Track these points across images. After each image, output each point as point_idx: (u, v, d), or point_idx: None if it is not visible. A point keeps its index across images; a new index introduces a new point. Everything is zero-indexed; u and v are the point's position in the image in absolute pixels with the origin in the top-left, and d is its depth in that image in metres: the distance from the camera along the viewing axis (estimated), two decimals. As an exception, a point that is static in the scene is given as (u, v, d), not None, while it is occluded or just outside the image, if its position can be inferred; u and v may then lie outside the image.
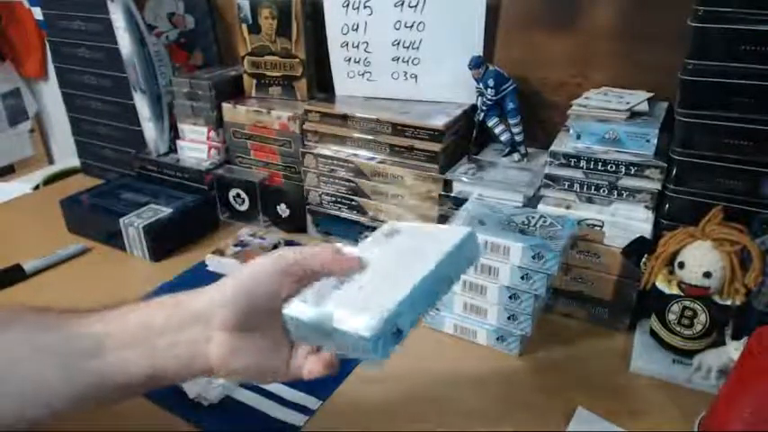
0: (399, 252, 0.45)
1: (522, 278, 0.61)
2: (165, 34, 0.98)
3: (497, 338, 0.65)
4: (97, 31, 0.99)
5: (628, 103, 0.69)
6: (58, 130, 1.53)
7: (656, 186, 0.65)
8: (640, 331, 0.67)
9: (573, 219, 0.66)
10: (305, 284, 0.42)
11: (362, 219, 0.86)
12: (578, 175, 0.68)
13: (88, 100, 1.08)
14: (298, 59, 0.92)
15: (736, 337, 0.60)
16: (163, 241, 0.86)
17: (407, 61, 0.86)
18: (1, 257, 0.83)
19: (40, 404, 0.39)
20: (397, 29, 0.85)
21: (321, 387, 0.60)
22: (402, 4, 0.83)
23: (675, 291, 0.62)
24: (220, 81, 0.96)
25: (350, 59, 0.90)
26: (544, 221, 0.65)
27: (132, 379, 0.40)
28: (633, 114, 0.68)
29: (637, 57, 0.76)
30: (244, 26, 0.93)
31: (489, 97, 0.78)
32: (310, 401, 0.59)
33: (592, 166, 0.67)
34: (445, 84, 0.86)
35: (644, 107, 0.69)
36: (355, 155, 0.83)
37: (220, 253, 0.82)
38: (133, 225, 0.84)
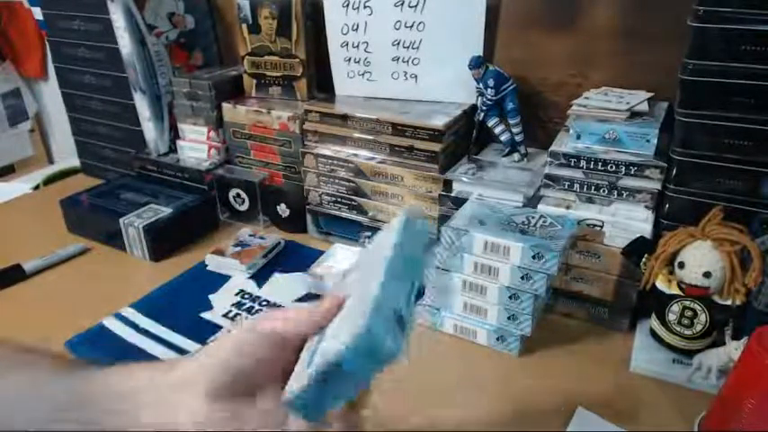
0: (362, 276, 0.42)
1: (522, 278, 0.61)
2: (165, 34, 0.98)
3: (497, 338, 0.65)
4: (97, 30, 0.99)
5: (628, 103, 0.69)
6: (58, 129, 1.54)
7: (656, 186, 0.65)
8: (640, 331, 0.67)
9: (573, 219, 0.66)
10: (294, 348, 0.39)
11: (362, 219, 0.86)
12: (578, 175, 0.68)
13: (88, 100, 1.08)
14: (298, 59, 0.92)
15: (736, 336, 0.60)
16: (163, 241, 0.86)
17: (407, 61, 0.86)
18: (1, 257, 0.83)
19: None
20: (397, 29, 0.85)
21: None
22: (402, 4, 0.83)
23: (675, 291, 0.62)
24: (220, 81, 0.96)
25: (350, 59, 0.90)
26: (544, 221, 0.65)
27: None
28: (633, 114, 0.68)
29: (637, 57, 0.76)
30: (244, 26, 0.93)
31: (489, 97, 0.78)
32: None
33: (592, 166, 0.67)
34: (445, 84, 0.86)
35: (644, 107, 0.69)
36: (355, 155, 0.83)
37: (220, 253, 0.82)
38: (133, 225, 0.85)
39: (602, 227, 0.67)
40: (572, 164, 0.68)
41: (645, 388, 0.61)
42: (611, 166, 0.66)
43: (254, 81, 0.97)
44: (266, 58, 0.94)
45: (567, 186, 0.69)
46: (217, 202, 0.96)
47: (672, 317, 0.62)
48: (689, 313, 0.61)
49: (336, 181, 0.86)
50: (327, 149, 0.86)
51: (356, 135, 0.83)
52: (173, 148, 1.02)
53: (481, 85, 0.78)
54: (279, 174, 0.94)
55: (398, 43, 0.86)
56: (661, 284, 0.63)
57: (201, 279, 0.81)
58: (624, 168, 0.66)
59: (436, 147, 0.77)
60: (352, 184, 0.85)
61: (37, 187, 1.23)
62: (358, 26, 0.87)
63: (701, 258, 0.59)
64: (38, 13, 1.19)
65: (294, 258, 0.85)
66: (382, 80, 0.89)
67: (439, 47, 0.84)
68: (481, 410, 0.58)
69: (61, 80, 1.11)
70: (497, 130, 0.81)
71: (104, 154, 1.12)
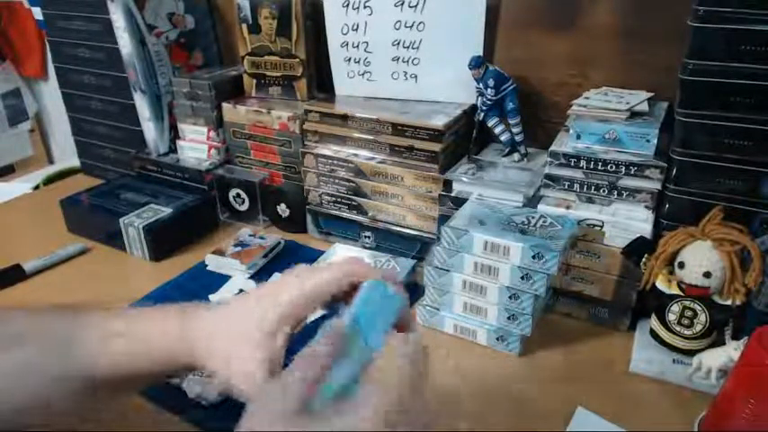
0: None
1: (523, 278, 0.61)
2: (165, 34, 0.98)
3: (497, 338, 0.65)
4: (97, 30, 0.99)
5: (628, 103, 0.69)
6: (58, 129, 1.54)
7: (656, 186, 0.65)
8: (640, 331, 0.67)
9: (573, 219, 0.66)
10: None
11: (362, 219, 0.86)
12: (578, 175, 0.68)
13: (88, 100, 1.08)
14: (298, 59, 0.92)
15: (736, 336, 0.60)
16: (163, 241, 0.86)
17: (407, 61, 0.86)
18: (1, 257, 0.83)
19: (75, 378, 0.42)
20: (397, 29, 0.85)
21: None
22: (402, 4, 0.83)
23: (675, 291, 0.62)
24: (220, 81, 0.96)
25: (350, 59, 0.90)
26: (544, 221, 0.65)
27: (153, 359, 0.42)
28: (633, 114, 0.68)
29: (637, 57, 0.76)
30: (244, 26, 0.93)
31: (489, 97, 0.78)
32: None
33: (592, 166, 0.67)
34: (445, 84, 0.86)
35: (644, 107, 0.69)
36: (355, 155, 0.83)
37: (220, 253, 0.82)
38: (133, 225, 0.85)
39: (602, 227, 0.67)
40: (572, 164, 0.68)
41: (645, 388, 0.61)
42: (611, 166, 0.66)
43: (254, 81, 0.97)
44: (266, 58, 0.94)
45: (567, 186, 0.69)
46: (217, 202, 0.96)
47: (672, 317, 0.63)
48: (689, 313, 0.61)
49: (336, 181, 0.86)
50: (327, 149, 0.86)
51: (356, 135, 0.83)
52: (173, 148, 1.02)
53: (481, 85, 0.78)
54: (279, 174, 0.94)
55: (398, 43, 0.86)
56: (661, 284, 0.63)
57: (201, 279, 0.81)
58: (624, 168, 0.66)
59: (436, 147, 0.77)
60: (352, 184, 0.85)
61: (37, 187, 1.23)
62: (358, 26, 0.87)
63: (700, 258, 0.59)
64: (38, 12, 1.19)
65: (294, 258, 0.84)
66: (382, 80, 0.89)
67: (439, 47, 0.84)
68: (481, 411, 0.58)
69: (61, 80, 1.11)
70: (497, 130, 0.81)
71: (104, 154, 1.12)
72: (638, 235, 0.65)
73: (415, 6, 0.83)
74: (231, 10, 0.97)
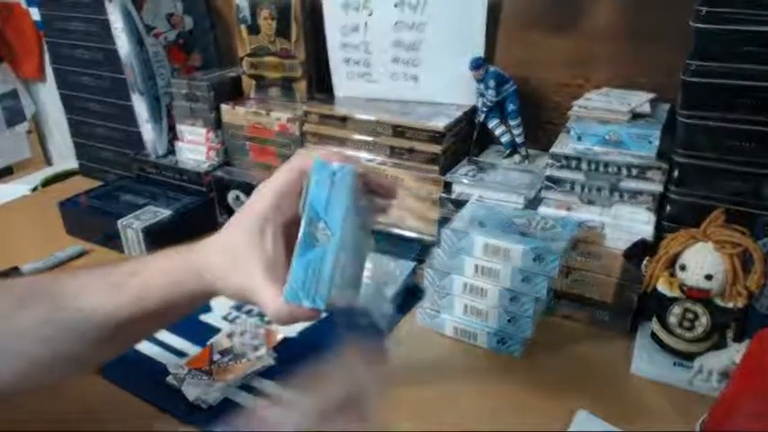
0: None
1: (523, 280, 0.61)
2: (164, 35, 0.98)
3: (498, 341, 0.65)
4: (95, 31, 0.99)
5: (629, 104, 0.68)
6: (56, 131, 1.53)
7: (658, 188, 0.65)
8: (641, 334, 0.67)
9: (574, 221, 0.66)
10: None
11: (362, 220, 0.86)
12: (579, 176, 0.68)
13: (86, 101, 1.08)
14: (297, 60, 0.92)
15: (737, 339, 0.60)
16: (161, 243, 0.85)
17: (407, 62, 0.86)
18: (-2, 260, 0.83)
19: (94, 325, 0.44)
20: (398, 30, 0.85)
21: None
22: (402, 5, 0.83)
23: (677, 293, 0.61)
24: (219, 82, 0.95)
25: (349, 60, 0.90)
26: (545, 223, 0.65)
27: (159, 293, 0.45)
28: (635, 116, 0.67)
29: (638, 58, 0.75)
30: (243, 27, 0.92)
31: (490, 98, 0.78)
32: (310, 405, 0.58)
33: (593, 168, 0.67)
34: (446, 85, 0.85)
35: (646, 108, 0.69)
36: (355, 156, 0.83)
37: (219, 255, 0.82)
38: (132, 227, 0.84)
39: (603, 229, 0.66)
40: (573, 165, 0.68)
41: (646, 391, 0.60)
42: (613, 168, 0.66)
43: (254, 82, 0.96)
44: (265, 59, 0.93)
45: (568, 188, 0.69)
46: (216, 203, 0.96)
47: (673, 319, 0.62)
48: (690, 316, 0.61)
49: (336, 182, 0.85)
50: (327, 151, 0.85)
51: (356, 137, 0.83)
52: (171, 150, 1.02)
53: (482, 87, 0.78)
54: (278, 175, 0.94)
55: (398, 44, 0.86)
56: (662, 287, 0.63)
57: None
58: (625, 170, 0.65)
59: (437, 148, 0.77)
60: (351, 185, 0.84)
61: (35, 189, 1.23)
62: (358, 27, 0.87)
63: (702, 261, 0.59)
64: (35, 13, 1.19)
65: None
66: (382, 81, 0.89)
67: (439, 48, 0.84)
68: (482, 413, 0.58)
69: (59, 81, 1.11)
70: (498, 132, 0.81)
71: (103, 155, 1.12)
72: (640, 237, 0.65)
73: (415, 7, 0.82)
74: (230, 11, 0.97)
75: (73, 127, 1.14)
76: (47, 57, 1.19)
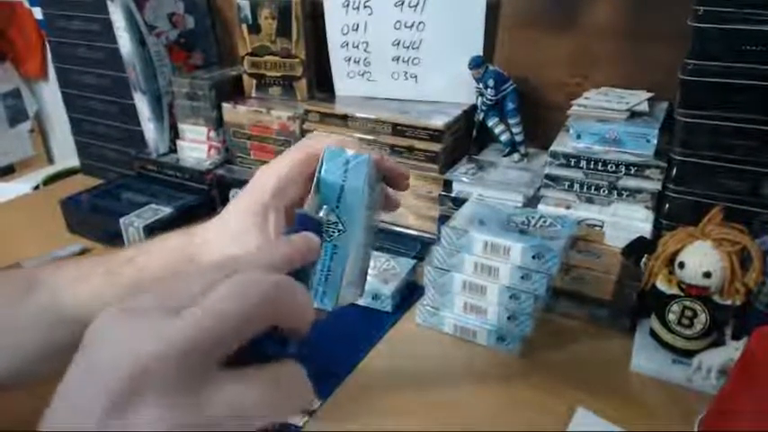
0: None
1: (522, 278, 0.61)
2: (165, 34, 0.98)
3: (497, 338, 0.65)
4: (97, 30, 0.99)
5: (628, 103, 0.69)
6: (58, 130, 1.53)
7: (657, 186, 0.65)
8: (640, 331, 0.67)
9: (573, 219, 0.66)
10: None
11: (362, 219, 0.86)
12: (578, 175, 0.68)
13: (88, 100, 1.08)
14: (298, 59, 0.92)
15: (736, 337, 0.60)
16: (163, 241, 0.86)
17: (407, 61, 0.86)
18: (0, 257, 0.83)
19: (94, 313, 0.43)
20: (397, 29, 0.85)
21: (321, 386, 0.60)
22: (402, 4, 0.83)
23: (675, 291, 0.62)
24: (220, 81, 0.96)
25: (350, 59, 0.90)
26: (544, 222, 0.65)
27: (157, 277, 0.44)
28: (633, 114, 0.68)
29: (637, 57, 0.76)
30: (244, 26, 0.93)
31: (489, 97, 0.78)
32: (310, 401, 0.58)
33: (592, 167, 0.67)
34: (445, 84, 0.86)
35: (644, 107, 0.69)
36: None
37: (220, 253, 0.82)
38: (133, 225, 0.84)
39: (602, 227, 0.67)
40: (572, 164, 0.68)
41: (645, 388, 0.61)
42: (612, 167, 0.66)
43: (254, 81, 0.97)
44: (266, 58, 0.94)
45: (567, 186, 0.69)
46: (217, 202, 0.96)
47: (672, 317, 0.62)
48: (689, 313, 0.61)
49: (336, 181, 0.86)
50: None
51: (356, 135, 0.83)
52: (173, 148, 1.02)
53: (481, 86, 0.78)
54: (279, 174, 0.94)
55: (398, 43, 0.86)
56: (661, 284, 0.63)
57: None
58: (624, 168, 0.66)
59: (436, 147, 0.77)
60: (352, 184, 0.85)
61: (37, 187, 1.23)
62: (358, 26, 0.87)
63: (701, 258, 0.59)
64: (38, 12, 1.19)
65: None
66: (382, 80, 0.89)
67: (439, 47, 0.84)
68: (481, 410, 0.58)
69: (61, 80, 1.11)
70: (497, 131, 0.81)
71: (104, 154, 1.12)
72: (638, 235, 0.65)
73: (415, 6, 0.82)
74: (231, 10, 0.97)
75: (75, 125, 1.14)
76: (49, 56, 1.20)
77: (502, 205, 0.70)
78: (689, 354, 0.62)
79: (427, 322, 0.70)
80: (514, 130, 0.80)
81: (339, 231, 0.35)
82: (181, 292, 0.25)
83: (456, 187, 0.77)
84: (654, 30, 0.73)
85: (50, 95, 1.50)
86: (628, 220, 0.66)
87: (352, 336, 0.67)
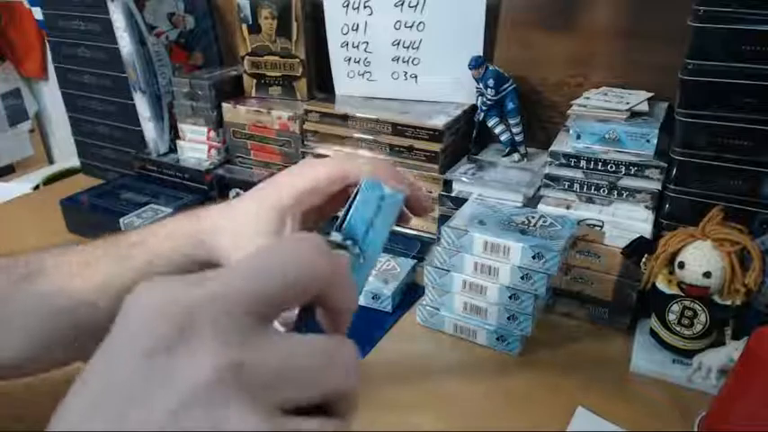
0: None
1: (522, 278, 0.61)
2: (165, 34, 0.98)
3: (497, 338, 0.65)
4: (97, 30, 0.99)
5: (628, 103, 0.69)
6: (58, 130, 1.53)
7: (657, 186, 0.65)
8: (640, 331, 0.67)
9: (573, 219, 0.66)
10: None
11: (362, 219, 0.86)
12: (578, 175, 0.68)
13: (88, 100, 1.08)
14: (298, 59, 0.92)
15: (736, 337, 0.60)
16: (163, 241, 0.86)
17: (407, 61, 0.86)
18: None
19: (106, 297, 0.43)
20: (397, 29, 0.85)
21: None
22: (402, 4, 0.83)
23: (675, 291, 0.62)
24: (220, 81, 0.96)
25: (350, 59, 0.90)
26: (544, 221, 0.65)
27: (167, 261, 0.44)
28: (633, 114, 0.68)
29: (637, 57, 0.76)
30: (244, 26, 0.93)
31: (489, 97, 0.78)
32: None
33: (592, 166, 0.67)
34: (445, 84, 0.86)
35: (644, 107, 0.69)
36: (355, 155, 0.83)
37: (220, 253, 0.82)
38: (133, 225, 0.84)
39: (602, 227, 0.67)
40: (572, 164, 0.68)
41: (645, 388, 0.61)
42: (612, 167, 0.66)
43: (254, 81, 0.97)
44: (266, 58, 0.94)
45: (567, 186, 0.69)
46: (217, 202, 0.96)
47: (672, 317, 0.62)
48: (689, 313, 0.61)
49: (336, 181, 0.86)
50: (327, 149, 0.86)
51: (356, 135, 0.83)
52: (173, 148, 1.02)
53: (481, 85, 0.78)
54: (279, 174, 0.94)
55: (398, 43, 0.86)
56: (661, 284, 0.63)
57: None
58: (624, 168, 0.66)
59: (436, 147, 0.77)
60: (352, 184, 0.85)
61: (37, 187, 1.23)
62: (358, 26, 0.87)
63: (701, 258, 0.59)
64: (38, 12, 1.19)
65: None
66: (382, 80, 0.89)
67: (439, 47, 0.84)
68: (481, 410, 0.58)
69: (61, 80, 1.11)
70: (497, 130, 0.81)
71: (104, 154, 1.12)
72: (638, 235, 0.65)
73: (415, 6, 0.83)
74: (231, 10, 0.97)
75: (75, 125, 1.14)
76: (49, 56, 1.20)
77: (502, 205, 0.70)
78: (689, 354, 0.62)
79: (427, 322, 0.70)
80: (514, 129, 0.80)
81: (360, 263, 0.36)
82: (210, 273, 0.24)
83: (456, 187, 0.77)
84: (654, 30, 0.73)
85: (50, 95, 1.50)
86: (628, 220, 0.66)
87: (351, 336, 0.66)
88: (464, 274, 0.65)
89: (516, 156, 0.81)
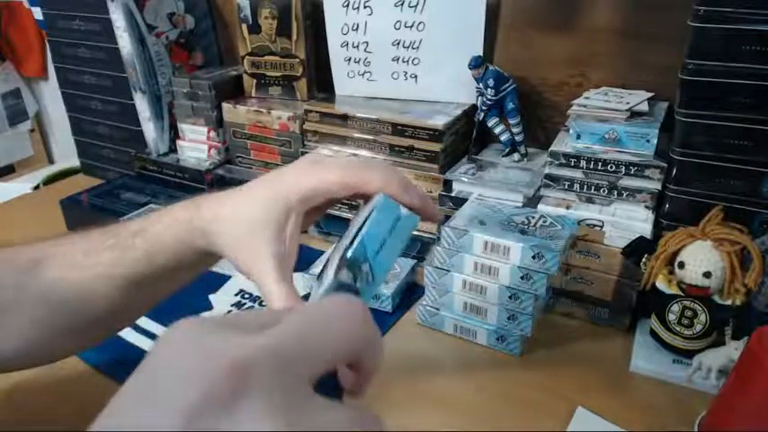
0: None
1: (523, 278, 0.61)
2: (165, 34, 0.98)
3: (497, 338, 0.65)
4: (97, 30, 0.99)
5: (628, 103, 0.69)
6: (58, 129, 1.54)
7: (656, 186, 0.65)
8: (640, 331, 0.67)
9: (573, 219, 0.66)
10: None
11: (362, 219, 0.86)
12: (578, 175, 0.68)
13: (88, 100, 1.08)
14: (298, 59, 0.92)
15: (736, 337, 0.60)
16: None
17: (407, 61, 0.86)
18: (1, 257, 0.83)
19: (108, 285, 0.44)
20: (397, 29, 0.85)
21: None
22: (402, 4, 0.83)
23: (675, 291, 0.62)
24: (220, 81, 0.96)
25: (350, 59, 0.90)
26: (544, 221, 0.65)
27: (168, 250, 0.44)
28: (633, 114, 0.68)
29: (637, 56, 0.76)
30: (244, 26, 0.93)
31: (489, 97, 0.78)
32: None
33: (592, 166, 0.67)
34: (445, 84, 0.86)
35: (644, 107, 0.69)
36: (355, 155, 0.83)
37: (220, 253, 0.82)
38: (133, 225, 0.84)
39: (602, 227, 0.67)
40: (572, 164, 0.68)
41: (645, 388, 0.61)
42: (612, 167, 0.66)
43: (254, 81, 0.97)
44: (266, 58, 0.94)
45: (567, 186, 0.69)
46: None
47: (672, 317, 0.62)
48: (689, 313, 0.61)
49: (336, 181, 0.86)
50: (327, 149, 0.86)
51: (356, 135, 0.83)
52: (173, 148, 1.02)
53: (481, 85, 0.78)
54: (279, 174, 0.94)
55: (398, 43, 0.86)
56: (661, 284, 0.63)
57: (201, 279, 0.80)
58: (624, 168, 0.66)
59: (436, 147, 0.77)
60: (352, 184, 0.85)
61: (37, 187, 1.23)
62: (358, 26, 0.87)
63: (701, 258, 0.59)
64: (38, 12, 1.19)
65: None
66: (382, 80, 0.89)
67: (439, 47, 0.84)
68: (481, 410, 0.58)
69: (61, 80, 1.11)
70: (497, 130, 0.81)
71: (104, 154, 1.12)
72: (638, 235, 0.65)
73: (415, 6, 0.83)
74: (231, 10, 0.97)
75: (75, 125, 1.14)
76: (49, 56, 1.20)
77: (502, 205, 0.70)
78: (689, 354, 0.62)
79: (427, 322, 0.70)
80: (514, 129, 0.80)
81: (367, 282, 0.36)
82: (249, 319, 0.24)
83: (456, 187, 0.77)
84: (654, 30, 0.73)
85: (50, 95, 1.50)
86: (628, 220, 0.66)
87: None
88: (464, 274, 0.65)
89: (516, 156, 0.81)
